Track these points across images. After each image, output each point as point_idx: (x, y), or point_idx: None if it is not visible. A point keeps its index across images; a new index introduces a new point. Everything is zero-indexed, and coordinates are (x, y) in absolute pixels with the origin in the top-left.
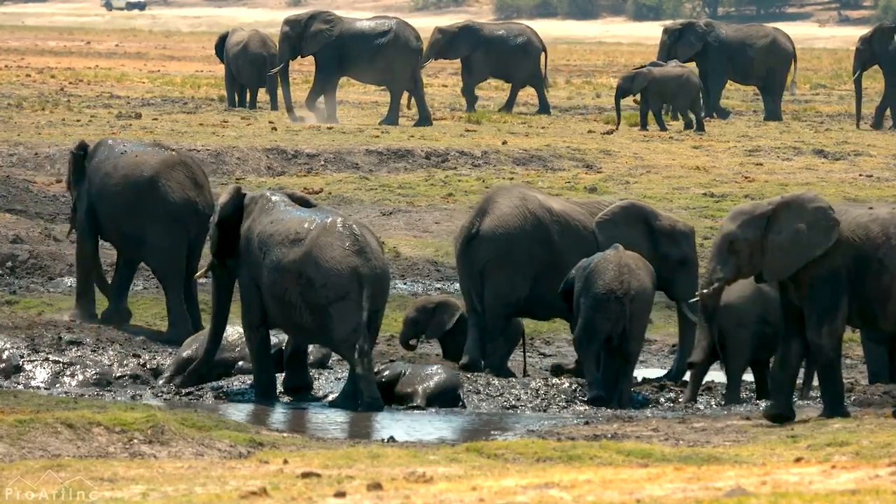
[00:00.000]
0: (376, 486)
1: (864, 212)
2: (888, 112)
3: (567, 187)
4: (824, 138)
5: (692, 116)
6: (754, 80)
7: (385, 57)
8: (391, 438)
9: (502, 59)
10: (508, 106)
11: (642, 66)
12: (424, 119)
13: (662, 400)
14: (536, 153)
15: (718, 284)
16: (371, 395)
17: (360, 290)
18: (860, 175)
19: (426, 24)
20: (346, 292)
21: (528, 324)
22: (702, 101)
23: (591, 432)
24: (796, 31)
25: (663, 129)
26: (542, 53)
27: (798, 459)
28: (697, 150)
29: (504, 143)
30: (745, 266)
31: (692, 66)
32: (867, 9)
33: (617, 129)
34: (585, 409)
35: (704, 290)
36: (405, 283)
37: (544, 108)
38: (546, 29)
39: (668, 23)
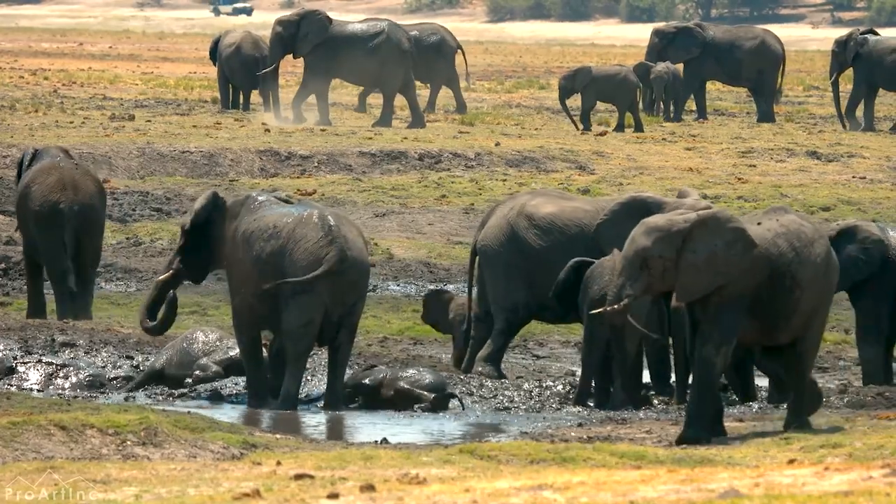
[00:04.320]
0: (369, 488)
1: (762, 228)
2: (878, 111)
3: (560, 189)
4: (817, 140)
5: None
6: (744, 82)
7: (377, 59)
8: (384, 440)
9: (416, 59)
10: (430, 106)
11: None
12: (417, 121)
13: (656, 402)
14: (530, 154)
15: (627, 301)
16: (287, 391)
17: (332, 283)
18: (853, 177)
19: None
20: (314, 285)
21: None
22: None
23: (585, 434)
24: (789, 33)
25: (588, 128)
26: (458, 53)
27: (791, 461)
28: (690, 151)
29: (497, 144)
30: (657, 283)
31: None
32: (860, 10)
33: (581, 131)
34: (579, 411)
35: (613, 307)
36: (398, 285)
37: (461, 107)
38: (539, 30)
39: (660, 25)
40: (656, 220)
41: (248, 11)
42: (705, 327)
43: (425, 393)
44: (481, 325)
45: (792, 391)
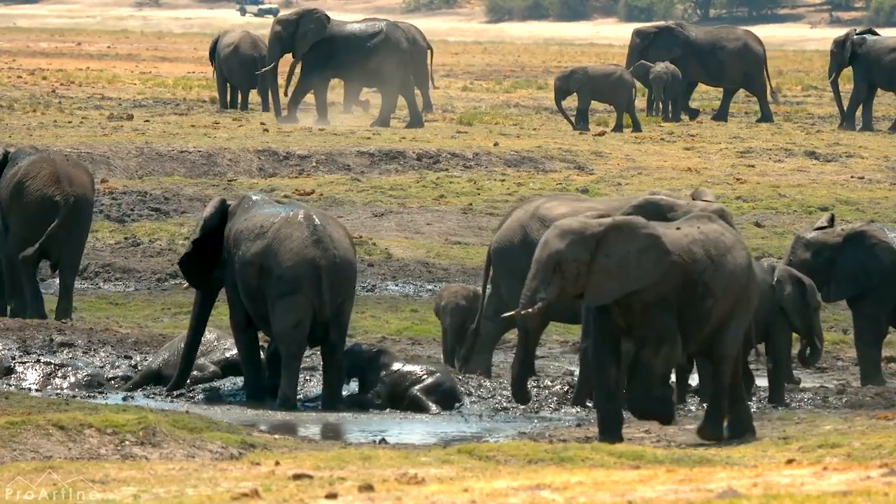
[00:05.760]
0: (368, 488)
1: (680, 234)
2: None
3: (559, 189)
4: (816, 140)
5: (665, 108)
6: (727, 83)
7: (375, 59)
8: (383, 440)
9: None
10: (428, 106)
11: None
12: (416, 121)
13: None
14: (528, 155)
15: (541, 304)
16: (284, 392)
17: (317, 282)
18: (852, 177)
19: (418, 27)
20: (299, 285)
21: None
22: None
23: (583, 434)
24: (788, 33)
25: (585, 128)
26: (428, 52)
27: (790, 461)
28: (689, 151)
29: (496, 144)
30: (570, 287)
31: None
32: (858, 10)
33: (578, 131)
34: (577, 411)
35: (526, 310)
36: (396, 285)
37: (427, 106)
38: (538, 30)
39: (641, 25)
40: (570, 222)
41: (275, 12)
42: (640, 332)
43: (433, 406)
44: (489, 323)
45: (708, 397)
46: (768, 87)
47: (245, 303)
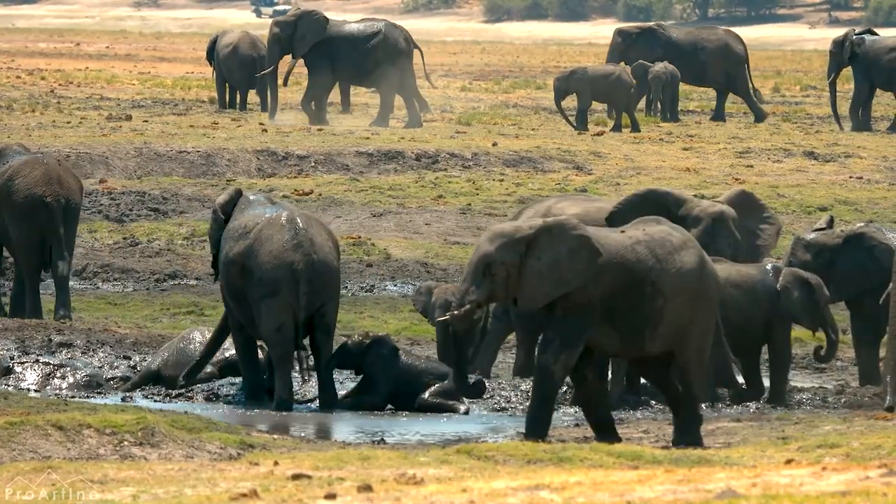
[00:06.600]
0: (367, 488)
1: (624, 236)
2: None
3: (557, 189)
4: (815, 140)
5: (669, 109)
6: (710, 83)
7: (374, 59)
8: (381, 440)
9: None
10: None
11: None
12: (414, 121)
13: (653, 402)
14: (527, 155)
15: (470, 306)
16: (279, 394)
17: (295, 286)
18: (850, 177)
19: (417, 27)
20: (278, 288)
21: None
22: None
23: (582, 434)
24: (787, 33)
25: (584, 128)
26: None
27: (789, 461)
28: (688, 151)
29: (494, 144)
30: (500, 290)
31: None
32: (857, 10)
33: (579, 130)
34: (576, 411)
35: (455, 311)
36: (395, 285)
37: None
38: (536, 30)
39: (623, 25)
40: (503, 226)
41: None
42: (548, 334)
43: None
44: (497, 321)
45: (680, 407)
46: (750, 87)
47: (231, 303)
